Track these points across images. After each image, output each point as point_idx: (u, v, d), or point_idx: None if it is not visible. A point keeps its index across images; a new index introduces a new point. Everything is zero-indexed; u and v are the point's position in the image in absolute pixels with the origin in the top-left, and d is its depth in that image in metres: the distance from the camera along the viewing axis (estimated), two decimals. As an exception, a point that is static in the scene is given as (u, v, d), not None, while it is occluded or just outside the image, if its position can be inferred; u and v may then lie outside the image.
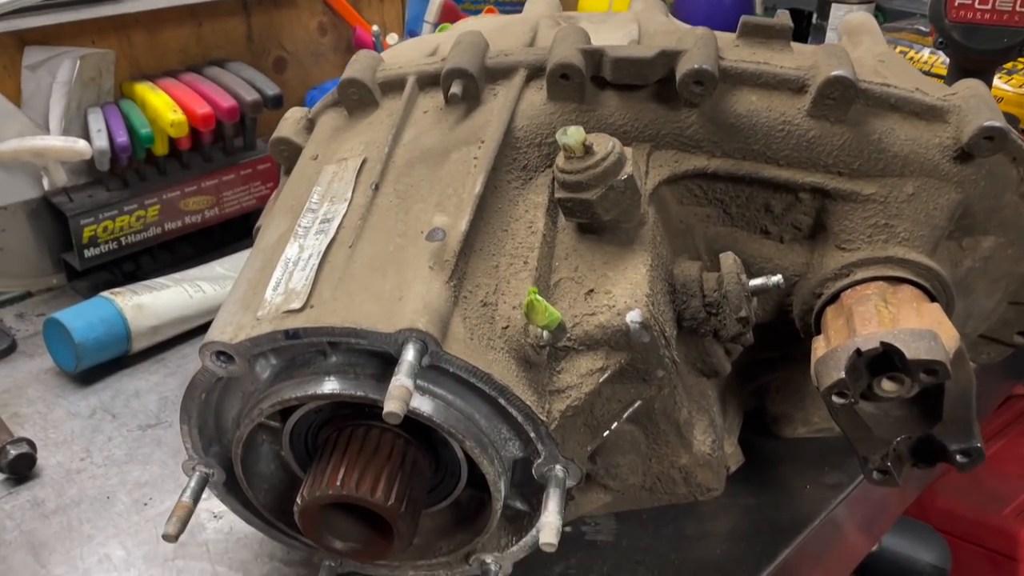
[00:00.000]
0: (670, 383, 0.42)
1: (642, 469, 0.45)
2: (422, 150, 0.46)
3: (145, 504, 0.54)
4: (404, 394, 0.34)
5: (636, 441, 0.44)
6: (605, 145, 0.42)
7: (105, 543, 0.51)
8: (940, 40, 0.66)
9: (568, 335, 0.40)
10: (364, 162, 0.45)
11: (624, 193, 0.42)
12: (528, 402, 0.38)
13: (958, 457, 0.45)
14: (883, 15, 1.13)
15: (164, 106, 0.72)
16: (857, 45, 0.55)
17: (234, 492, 0.45)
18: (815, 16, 0.93)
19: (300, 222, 0.43)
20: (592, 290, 0.42)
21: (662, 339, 0.41)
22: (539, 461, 0.40)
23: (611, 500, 0.47)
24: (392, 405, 0.33)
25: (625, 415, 0.41)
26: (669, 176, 0.47)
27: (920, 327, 0.43)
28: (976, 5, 0.63)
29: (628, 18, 0.55)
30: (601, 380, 0.40)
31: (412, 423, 0.39)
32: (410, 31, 0.95)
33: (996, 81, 0.88)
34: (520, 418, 0.38)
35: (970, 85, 0.47)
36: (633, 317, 0.39)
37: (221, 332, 0.38)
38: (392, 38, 0.82)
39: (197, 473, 0.43)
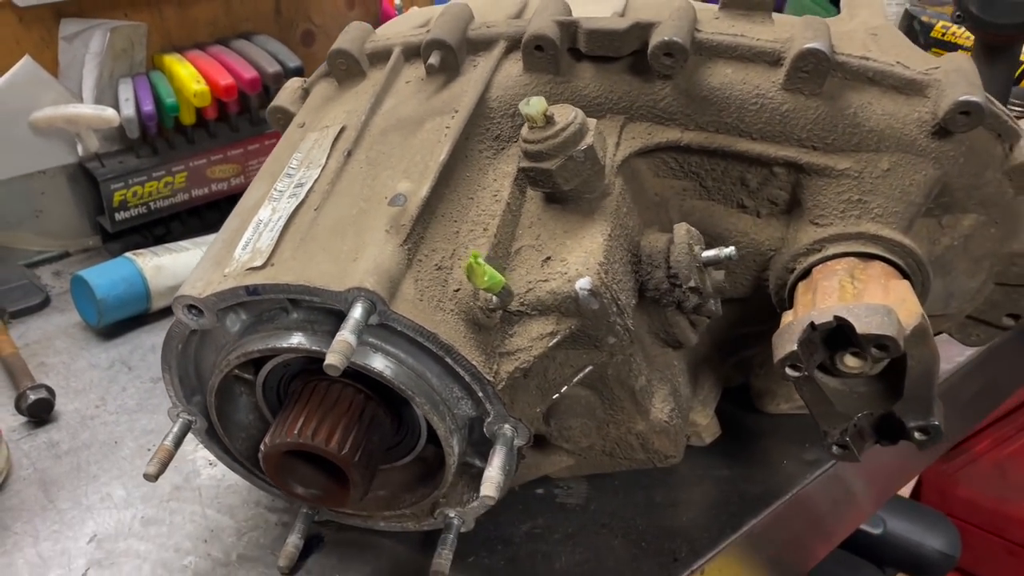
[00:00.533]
0: (623, 350, 0.43)
1: (597, 433, 0.46)
2: (399, 119, 0.47)
3: (148, 450, 0.57)
4: (344, 348, 0.36)
5: (591, 405, 0.45)
6: (567, 116, 0.43)
7: (109, 483, 0.54)
8: (958, 14, 0.64)
9: (520, 299, 0.41)
10: (343, 130, 0.47)
11: (584, 163, 0.43)
12: (474, 362, 0.39)
13: (916, 434, 0.45)
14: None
15: (189, 77, 0.75)
16: (853, 17, 0.54)
17: (216, 440, 0.47)
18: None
19: (276, 186, 0.45)
20: (549, 257, 0.43)
21: (614, 307, 0.42)
22: (489, 420, 0.41)
23: (575, 463, 0.48)
24: (332, 358, 0.35)
25: (576, 379, 0.43)
26: (641, 148, 0.47)
27: (881, 303, 0.43)
28: (993, -23, 0.62)
29: (619, -10, 0.55)
30: (551, 344, 0.41)
31: (376, 381, 0.41)
32: (440, 3, 0.96)
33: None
34: (467, 377, 0.40)
35: (954, 59, 0.46)
36: (583, 284, 0.40)
37: (192, 287, 0.41)
38: (414, 11, 0.83)
39: (180, 420, 0.46)
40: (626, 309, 0.43)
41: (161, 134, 0.78)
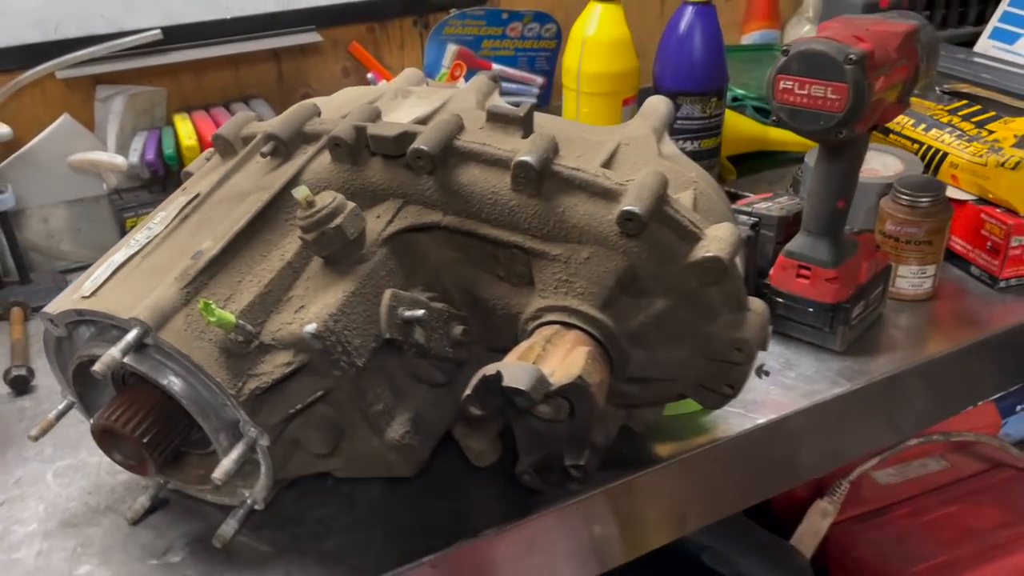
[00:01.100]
0: (349, 380, 0.56)
1: (338, 444, 0.59)
2: (235, 191, 0.63)
3: (82, 422, 0.75)
4: (109, 360, 0.52)
5: (329, 420, 0.58)
6: (324, 200, 0.57)
7: (44, 443, 0.72)
8: (774, 118, 0.72)
9: (272, 335, 0.56)
10: (195, 196, 0.63)
11: (334, 238, 0.57)
12: (219, 379, 0.54)
13: (571, 471, 0.55)
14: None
15: (185, 134, 0.94)
16: (636, 127, 0.65)
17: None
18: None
19: (135, 235, 0.62)
20: (303, 306, 0.57)
21: (339, 348, 0.55)
22: (240, 423, 0.56)
23: (343, 465, 0.62)
24: (97, 366, 0.51)
25: (310, 399, 0.56)
26: (409, 226, 0.61)
27: (549, 364, 0.54)
28: (796, 90, 0.69)
29: (445, 95, 0.68)
30: (287, 372, 0.55)
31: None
32: (428, 74, 1.12)
33: (953, 148, 0.90)
34: (217, 390, 0.55)
35: (646, 174, 0.57)
36: (309, 329, 0.54)
37: (53, 304, 0.58)
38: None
39: (65, 401, 0.63)
40: (357, 350, 0.56)
41: (169, 176, 0.98)
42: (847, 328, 0.79)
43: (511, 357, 0.55)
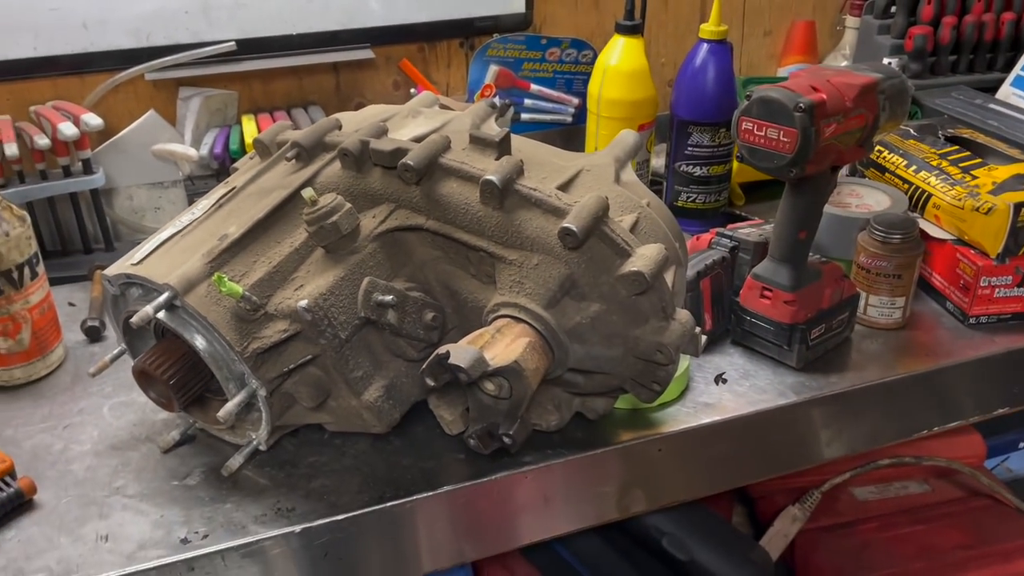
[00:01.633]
0: (333, 348, 0.69)
1: (324, 400, 0.72)
2: (262, 187, 0.76)
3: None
4: (144, 315, 0.65)
5: (318, 380, 0.71)
6: (325, 200, 0.69)
7: (105, 378, 0.87)
8: (739, 155, 0.81)
9: (275, 307, 0.69)
10: (231, 189, 0.77)
11: (331, 231, 0.69)
12: (229, 338, 0.67)
13: (504, 438, 0.66)
14: (920, 111, 1.20)
15: (250, 133, 1.09)
16: (602, 155, 0.76)
17: (140, 364, 0.79)
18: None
19: (181, 217, 0.76)
20: (302, 285, 0.70)
21: (325, 321, 0.68)
22: (246, 375, 0.69)
23: (332, 419, 0.75)
24: (133, 319, 0.65)
25: (301, 361, 0.69)
26: (398, 226, 0.73)
27: (494, 349, 0.65)
28: (755, 131, 0.78)
29: (447, 117, 0.80)
30: (283, 337, 0.68)
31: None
32: (471, 91, 1.24)
33: (937, 190, 0.97)
34: (228, 347, 0.68)
35: (589, 198, 0.67)
36: (301, 304, 0.67)
37: (111, 268, 0.72)
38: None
39: (118, 348, 0.78)
40: (341, 325, 0.69)
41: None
42: (804, 347, 0.87)
43: (464, 341, 0.66)
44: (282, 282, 0.70)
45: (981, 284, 0.93)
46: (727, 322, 0.92)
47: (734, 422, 0.82)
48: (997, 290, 0.93)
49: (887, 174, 1.07)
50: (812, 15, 1.45)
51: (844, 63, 1.42)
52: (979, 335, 0.94)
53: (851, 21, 1.41)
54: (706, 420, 0.81)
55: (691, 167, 1.12)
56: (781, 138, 0.77)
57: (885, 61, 1.28)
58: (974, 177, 0.97)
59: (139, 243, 0.74)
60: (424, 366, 0.65)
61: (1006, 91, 1.23)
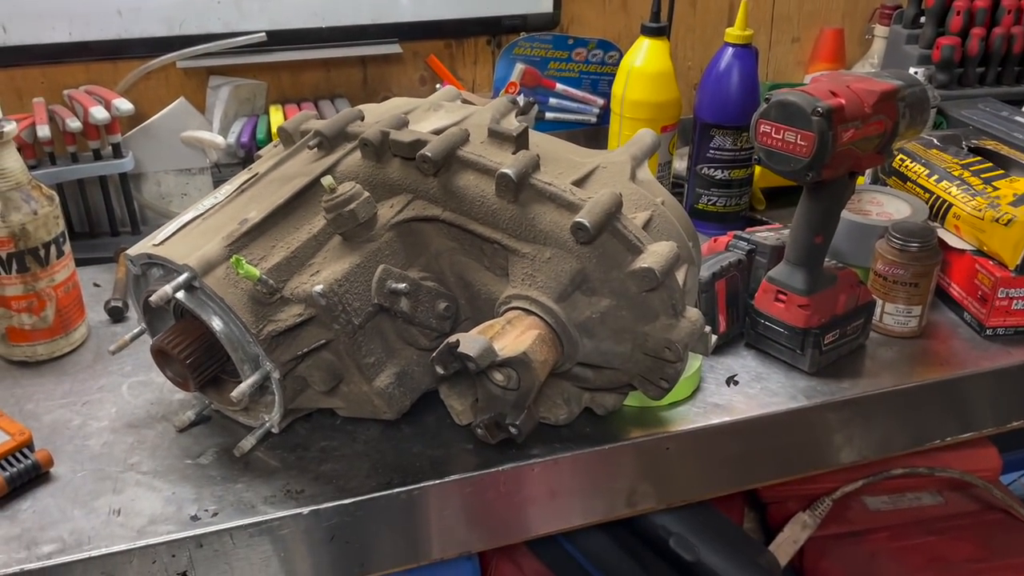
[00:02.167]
0: (347, 334, 0.70)
1: (337, 385, 0.73)
2: (284, 174, 0.78)
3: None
4: (163, 294, 0.67)
5: (331, 364, 0.72)
6: (343, 188, 0.71)
7: (125, 356, 0.89)
8: (756, 157, 0.81)
9: (291, 291, 0.70)
10: (254, 175, 0.78)
11: (348, 219, 0.70)
12: (244, 319, 0.68)
13: (510, 428, 0.67)
14: (946, 121, 1.19)
15: (277, 123, 1.11)
16: (618, 152, 0.76)
17: (159, 344, 0.81)
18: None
19: (203, 201, 0.77)
20: (319, 271, 0.71)
21: (339, 307, 0.69)
22: (260, 357, 0.70)
23: (332, 403, 0.76)
24: (153, 297, 0.67)
25: (314, 345, 0.70)
26: (414, 216, 0.74)
27: (503, 340, 0.66)
28: (773, 134, 0.78)
29: (467, 111, 0.81)
30: (299, 320, 0.69)
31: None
32: (497, 89, 1.25)
33: (958, 200, 0.97)
34: (243, 329, 0.69)
35: (603, 194, 0.68)
36: (317, 289, 0.68)
37: (133, 248, 0.74)
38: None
39: (138, 327, 0.80)
40: (355, 311, 0.70)
41: (260, 157, 1.15)
42: (817, 352, 0.87)
43: (474, 331, 0.67)
44: (299, 267, 0.71)
45: (999, 296, 0.92)
46: (741, 324, 0.92)
47: (744, 423, 0.82)
48: (1015, 302, 0.92)
49: (909, 183, 1.06)
50: (841, 23, 1.45)
51: (871, 72, 1.42)
52: (995, 347, 0.94)
53: (880, 30, 1.40)
54: (716, 420, 0.82)
55: (712, 170, 1.12)
56: (798, 141, 0.77)
57: (912, 71, 1.27)
58: (995, 188, 0.97)
59: (164, 227, 0.75)
60: (434, 354, 0.65)
61: (1035, 104, 1.22)
